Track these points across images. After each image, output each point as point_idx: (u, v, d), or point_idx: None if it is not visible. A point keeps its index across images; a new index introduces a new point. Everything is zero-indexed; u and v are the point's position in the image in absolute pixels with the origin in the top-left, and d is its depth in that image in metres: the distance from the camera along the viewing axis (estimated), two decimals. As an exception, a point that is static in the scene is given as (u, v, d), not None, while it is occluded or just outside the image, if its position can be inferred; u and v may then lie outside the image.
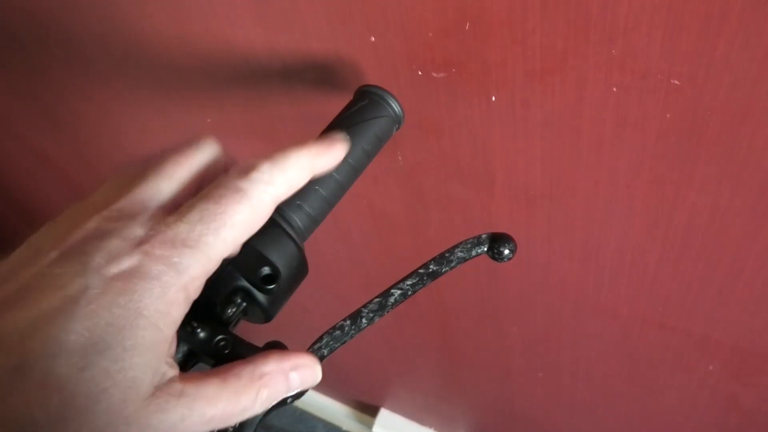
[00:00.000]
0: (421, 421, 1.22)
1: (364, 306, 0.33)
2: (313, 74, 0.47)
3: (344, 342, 0.32)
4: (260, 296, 0.31)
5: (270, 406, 0.27)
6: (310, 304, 0.88)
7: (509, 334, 0.72)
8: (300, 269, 0.33)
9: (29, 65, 0.71)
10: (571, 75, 0.36)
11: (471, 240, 0.35)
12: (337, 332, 0.32)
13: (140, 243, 0.23)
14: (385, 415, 1.24)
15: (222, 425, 0.25)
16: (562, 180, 0.44)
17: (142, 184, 0.26)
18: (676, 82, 0.33)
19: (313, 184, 0.35)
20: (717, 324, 0.51)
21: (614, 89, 0.35)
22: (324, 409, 1.41)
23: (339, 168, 0.36)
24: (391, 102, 0.39)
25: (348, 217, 0.64)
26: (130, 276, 0.22)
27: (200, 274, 0.24)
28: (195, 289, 0.25)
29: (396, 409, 1.23)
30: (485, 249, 0.35)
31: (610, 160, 0.40)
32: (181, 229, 0.24)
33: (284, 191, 0.28)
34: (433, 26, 0.38)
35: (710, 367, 0.57)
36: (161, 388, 0.23)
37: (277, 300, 0.32)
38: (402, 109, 0.40)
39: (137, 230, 0.24)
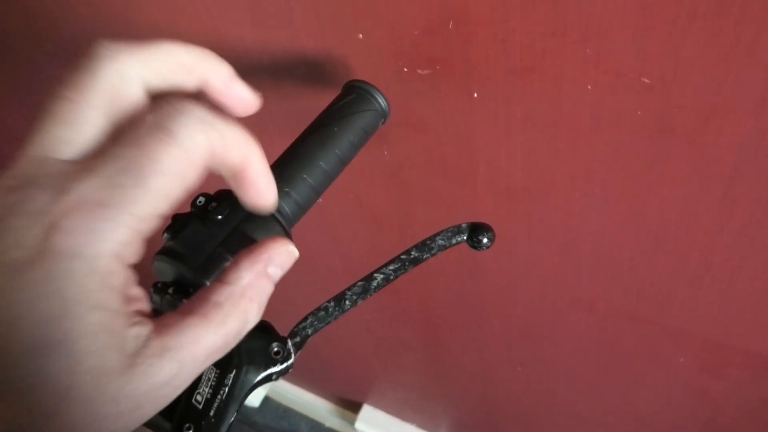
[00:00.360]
0: (404, 417, 1.23)
1: (348, 288, 0.34)
2: (303, 70, 0.48)
3: (328, 322, 0.33)
4: None
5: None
6: (296, 297, 0.89)
7: (491, 329, 0.73)
8: None
9: (20, 61, 0.71)
10: (549, 73, 0.38)
11: (451, 228, 0.36)
12: (322, 313, 0.33)
13: (46, 213, 0.19)
14: (367, 411, 1.25)
15: (222, 354, 0.23)
16: (542, 174, 0.46)
17: (35, 134, 0.22)
18: (647, 80, 0.35)
19: (300, 172, 0.37)
20: (688, 317, 0.53)
21: (589, 87, 0.37)
22: (307, 406, 1.42)
23: (326, 158, 0.38)
24: (377, 96, 0.41)
25: (335, 211, 0.65)
26: (45, 260, 0.19)
27: (130, 238, 0.20)
28: (131, 254, 0.21)
29: (379, 405, 1.25)
30: (465, 237, 0.37)
31: (586, 155, 0.42)
32: (94, 185, 0.20)
33: (220, 143, 0.22)
34: (419, 25, 0.39)
35: (681, 360, 0.59)
36: (139, 353, 0.20)
37: None
38: (388, 103, 0.41)
39: (40, 197, 0.20)
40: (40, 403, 0.19)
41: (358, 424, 1.24)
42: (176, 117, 0.21)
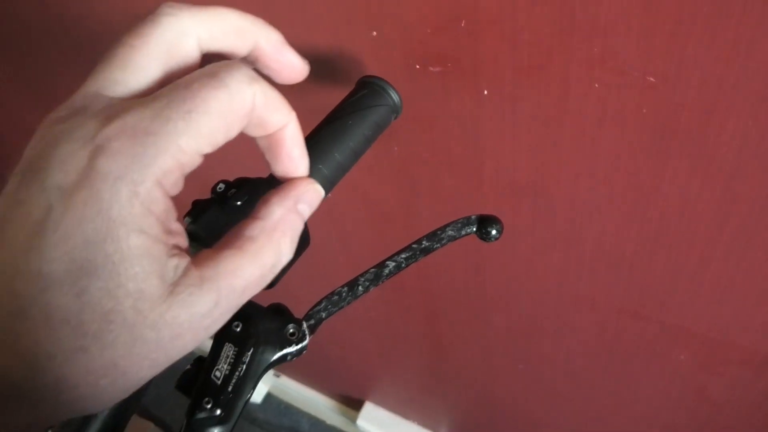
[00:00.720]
0: (405, 415, 1.24)
1: (361, 275, 0.35)
2: (316, 67, 0.50)
3: (341, 307, 0.35)
4: None
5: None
6: (301, 293, 0.90)
7: (493, 326, 0.75)
8: (303, 239, 0.36)
9: (35, 52, 0.73)
10: (556, 71, 0.39)
11: (461, 220, 0.38)
12: (335, 297, 0.35)
13: (93, 138, 0.20)
14: (369, 408, 1.26)
15: (259, 289, 0.24)
16: (546, 171, 0.47)
17: (90, 76, 0.23)
18: (652, 79, 0.36)
19: (316, 162, 0.38)
20: (688, 314, 0.54)
21: (596, 85, 0.38)
22: (308, 403, 1.43)
23: (341, 150, 0.39)
24: (390, 92, 0.42)
25: (343, 205, 0.67)
26: (91, 181, 0.20)
27: (173, 167, 0.21)
28: (172, 185, 0.22)
29: (380, 402, 1.26)
30: (474, 229, 0.38)
31: (591, 153, 0.44)
32: (142, 115, 0.21)
33: (264, 101, 0.24)
34: (431, 23, 0.40)
35: (682, 357, 0.60)
36: (179, 282, 0.21)
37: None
38: (400, 98, 0.42)
39: (89, 124, 0.21)
40: (82, 324, 0.20)
41: (359, 422, 1.25)
42: (228, 69, 0.22)
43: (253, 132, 0.25)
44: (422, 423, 1.22)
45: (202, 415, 0.28)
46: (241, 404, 0.29)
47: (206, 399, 0.28)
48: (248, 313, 0.32)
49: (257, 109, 0.23)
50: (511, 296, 0.66)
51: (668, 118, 0.38)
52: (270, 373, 1.42)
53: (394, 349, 0.99)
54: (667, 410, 0.71)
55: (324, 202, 0.39)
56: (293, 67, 0.28)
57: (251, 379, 0.30)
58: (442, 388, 1.04)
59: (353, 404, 1.31)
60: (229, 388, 0.29)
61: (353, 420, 1.28)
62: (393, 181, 0.58)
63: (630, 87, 0.37)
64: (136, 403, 0.28)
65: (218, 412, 0.28)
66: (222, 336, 0.31)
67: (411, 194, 0.59)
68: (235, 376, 0.29)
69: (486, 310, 0.72)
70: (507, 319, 0.72)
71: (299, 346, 0.32)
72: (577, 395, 0.81)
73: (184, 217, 0.34)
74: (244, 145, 0.33)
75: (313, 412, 1.45)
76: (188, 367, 0.31)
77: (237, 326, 0.31)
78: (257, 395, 1.47)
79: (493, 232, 0.38)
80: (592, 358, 0.70)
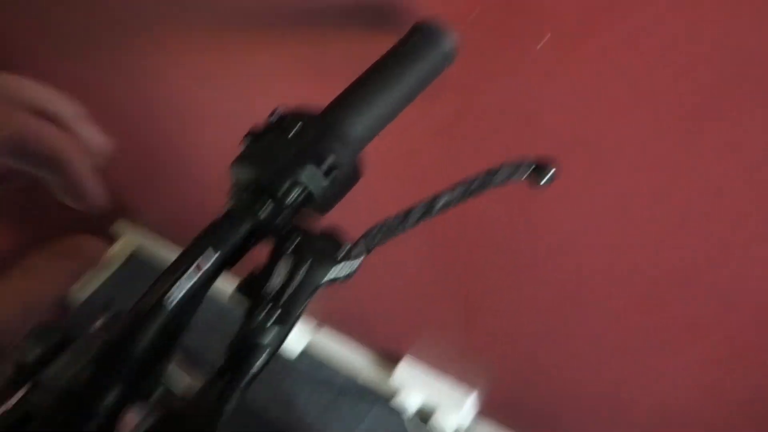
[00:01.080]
0: (444, 369, 1.24)
1: (413, 206, 0.36)
2: (368, 13, 0.50)
3: (393, 235, 0.36)
4: (320, 187, 0.35)
5: None
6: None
7: (535, 286, 0.75)
8: (355, 171, 0.37)
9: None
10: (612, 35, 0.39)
11: (516, 161, 0.38)
12: (387, 226, 0.36)
13: None
14: (405, 365, 1.28)
15: None
16: (603, 130, 0.47)
17: None
18: (699, 50, 0.36)
19: (370, 104, 0.39)
20: (739, 283, 0.53)
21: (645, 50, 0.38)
22: (344, 361, 1.46)
23: (393, 92, 0.40)
24: (445, 37, 0.42)
25: (381, 162, 0.67)
26: None
27: None
28: None
29: (419, 357, 1.27)
30: (528, 171, 0.38)
31: (636, 112, 0.43)
32: None
33: (29, 136, 0.25)
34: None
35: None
36: None
37: (334, 193, 0.36)
38: (455, 46, 0.42)
39: None
40: None
41: (393, 379, 1.27)
42: None
43: (33, 165, 0.26)
44: (459, 378, 1.22)
45: (262, 313, 0.30)
46: (297, 311, 0.31)
47: (267, 299, 0.30)
48: (305, 231, 0.33)
49: (25, 142, 0.25)
50: (556, 261, 0.66)
51: (707, 96, 0.37)
52: (311, 324, 1.46)
53: (433, 307, 1.00)
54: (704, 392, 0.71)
55: (367, 150, 0.39)
56: (90, 140, 0.29)
57: (307, 290, 0.31)
58: (480, 345, 1.05)
59: (392, 358, 1.33)
60: (287, 295, 0.31)
61: (387, 377, 1.30)
62: (437, 139, 0.58)
63: (676, 58, 0.37)
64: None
65: (278, 312, 0.30)
66: (280, 250, 0.32)
67: (454, 154, 0.59)
68: (292, 286, 0.31)
69: (527, 273, 0.72)
70: (550, 281, 0.72)
71: (352, 265, 0.34)
72: (613, 362, 0.80)
73: (241, 142, 0.35)
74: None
75: (347, 370, 1.49)
76: (247, 275, 0.32)
77: (294, 241, 0.33)
78: (295, 349, 1.51)
79: (547, 175, 0.38)
80: (633, 330, 0.70)
